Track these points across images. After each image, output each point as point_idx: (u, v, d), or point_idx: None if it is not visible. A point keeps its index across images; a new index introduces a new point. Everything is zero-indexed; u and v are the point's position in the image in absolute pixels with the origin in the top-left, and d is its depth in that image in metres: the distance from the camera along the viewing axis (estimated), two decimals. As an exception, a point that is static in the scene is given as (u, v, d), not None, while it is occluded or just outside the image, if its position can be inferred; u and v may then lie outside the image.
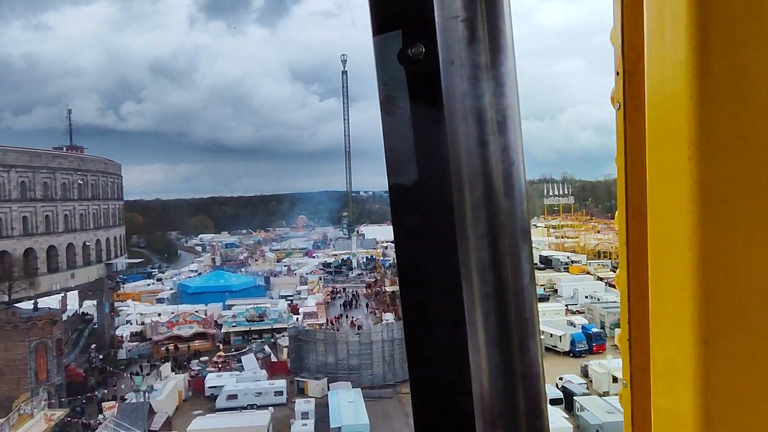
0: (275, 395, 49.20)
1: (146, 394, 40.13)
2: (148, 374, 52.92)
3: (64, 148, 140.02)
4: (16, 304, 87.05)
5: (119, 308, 78.68)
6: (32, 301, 55.79)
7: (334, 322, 75.39)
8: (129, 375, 54.81)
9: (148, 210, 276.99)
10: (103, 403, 46.09)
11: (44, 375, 44.76)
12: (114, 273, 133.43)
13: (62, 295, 53.41)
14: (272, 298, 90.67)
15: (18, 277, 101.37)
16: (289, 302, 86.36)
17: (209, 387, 50.97)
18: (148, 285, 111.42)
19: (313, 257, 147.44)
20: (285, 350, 60.05)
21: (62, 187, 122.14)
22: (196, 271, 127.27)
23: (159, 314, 76.07)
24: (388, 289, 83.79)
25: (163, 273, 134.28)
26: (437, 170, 1.09)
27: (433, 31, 1.03)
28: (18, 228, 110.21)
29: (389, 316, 73.21)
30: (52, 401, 43.75)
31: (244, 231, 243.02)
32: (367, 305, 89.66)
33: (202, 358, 60.28)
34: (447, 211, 1.03)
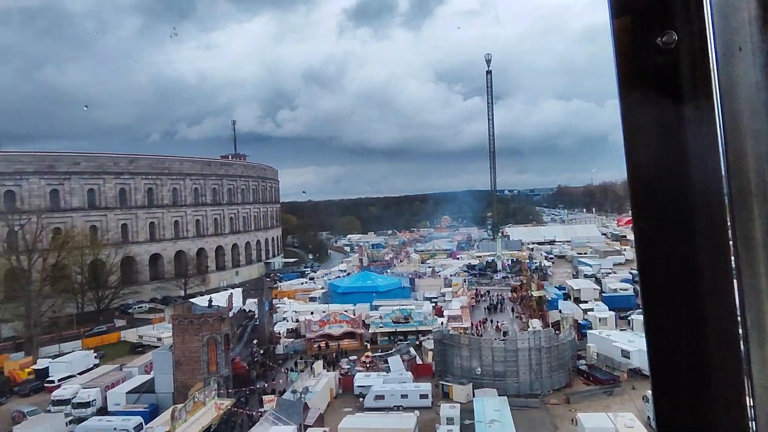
0: (420, 398, 50.09)
1: (303, 396, 42.80)
2: (302, 371, 56.43)
3: (230, 156, 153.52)
4: (190, 299, 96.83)
5: (276, 305, 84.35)
6: (207, 299, 61.87)
7: (478, 327, 75.07)
8: (285, 371, 58.77)
9: (301, 210, 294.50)
10: (263, 396, 50.06)
11: (214, 367, 49.49)
12: (272, 271, 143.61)
13: (229, 293, 58.67)
14: (417, 299, 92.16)
15: (192, 274, 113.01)
16: (434, 304, 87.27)
17: (358, 386, 53.12)
18: (302, 283, 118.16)
19: (457, 259, 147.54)
20: (430, 353, 60.82)
21: (228, 192, 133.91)
22: (345, 271, 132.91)
23: (312, 312, 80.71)
24: (535, 293, 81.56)
25: (315, 272, 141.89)
26: (702, 175, 0.98)
27: (688, 16, 0.92)
28: (192, 230, 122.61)
29: (536, 323, 71.35)
30: (221, 391, 48.31)
31: (389, 232, 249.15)
32: (512, 309, 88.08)
33: (351, 357, 62.94)
34: (719, 229, 0.93)
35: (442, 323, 70.27)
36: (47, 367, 63.56)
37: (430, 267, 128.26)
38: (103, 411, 51.58)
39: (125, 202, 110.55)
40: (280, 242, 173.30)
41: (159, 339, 74.92)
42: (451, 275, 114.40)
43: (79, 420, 48.80)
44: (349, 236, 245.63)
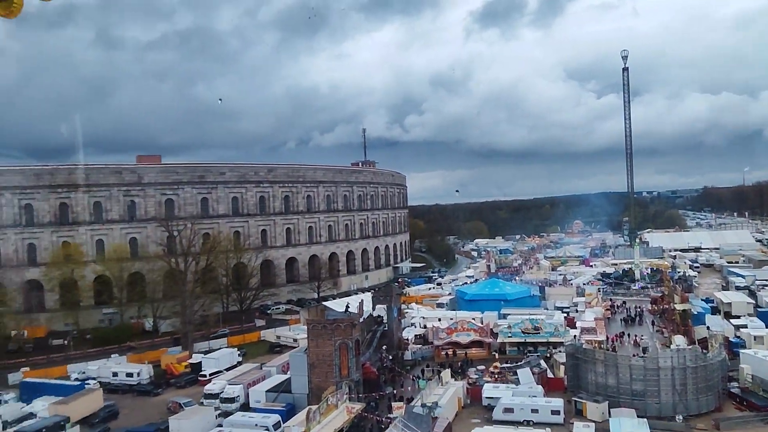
0: (552, 414, 48.44)
1: (432, 411, 43.05)
2: (430, 379, 56.83)
3: (360, 164, 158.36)
4: (323, 302, 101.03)
5: (404, 311, 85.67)
6: (340, 302, 64.50)
7: (614, 340, 71.17)
8: (413, 378, 59.47)
9: (428, 214, 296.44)
10: (393, 403, 51.07)
11: (346, 371, 51.27)
12: (400, 276, 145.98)
13: (360, 300, 60.47)
14: (547, 309, 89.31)
15: (324, 277, 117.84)
16: (565, 315, 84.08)
17: (486, 397, 52.47)
18: (429, 289, 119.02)
19: (591, 266, 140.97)
20: (561, 367, 58.65)
21: (358, 198, 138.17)
22: (472, 276, 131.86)
23: (439, 319, 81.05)
24: (678, 306, 75.68)
25: (442, 277, 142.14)
26: None
27: None
28: (324, 235, 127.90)
29: (680, 339, 66.30)
30: (352, 395, 49.92)
31: (517, 236, 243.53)
32: (652, 323, 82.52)
33: (479, 367, 62.33)
34: None
35: (574, 336, 67.53)
36: (200, 362, 69.50)
37: (561, 274, 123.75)
38: (245, 407, 55.44)
39: (264, 209, 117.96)
40: (408, 247, 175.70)
41: (295, 340, 79.18)
42: (584, 284, 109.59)
43: (226, 414, 52.82)
44: (476, 241, 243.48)
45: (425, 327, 79.27)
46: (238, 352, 74.77)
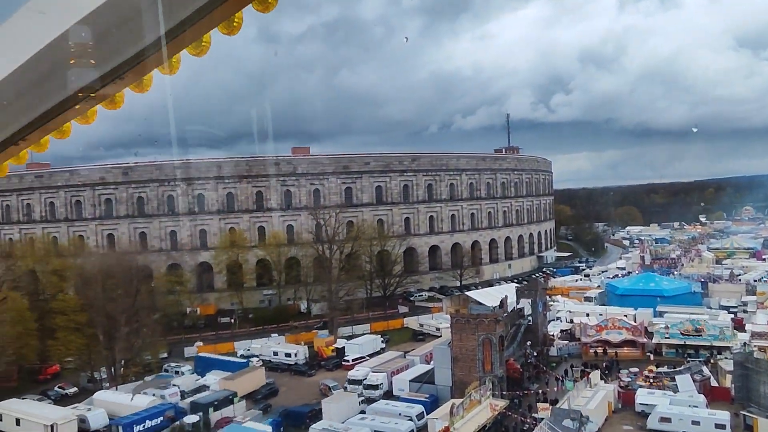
0: (716, 428, 44.40)
1: (583, 427, 41.35)
2: (577, 380, 54.59)
3: (504, 150, 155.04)
4: (465, 290, 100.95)
5: (549, 303, 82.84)
6: (483, 293, 63.91)
7: (793, 348, 63.38)
8: (558, 378, 57.36)
9: (574, 199, 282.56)
10: (538, 404, 49.81)
11: (489, 366, 50.90)
12: (544, 265, 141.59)
13: (503, 296, 59.49)
14: (710, 308, 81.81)
15: (467, 265, 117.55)
16: (732, 315, 76.48)
17: (640, 403, 49.36)
18: (576, 281, 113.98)
19: (763, 260, 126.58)
20: (728, 375, 53.49)
21: (501, 185, 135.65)
22: (623, 268, 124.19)
23: (587, 314, 77.45)
24: None
25: (590, 268, 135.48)
26: None
27: None
28: (467, 223, 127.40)
29: None
30: (495, 392, 49.51)
31: (675, 224, 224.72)
32: (842, 330, 72.29)
33: (632, 369, 58.78)
34: None
35: (744, 343, 61.08)
36: (344, 347, 72.73)
37: (727, 269, 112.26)
38: (388, 394, 57.10)
39: (408, 197, 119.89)
40: (553, 235, 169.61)
41: (437, 329, 79.85)
42: (755, 280, 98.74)
43: (369, 401, 54.85)
44: (627, 228, 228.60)
45: (572, 322, 76.21)
46: (381, 339, 77.05)
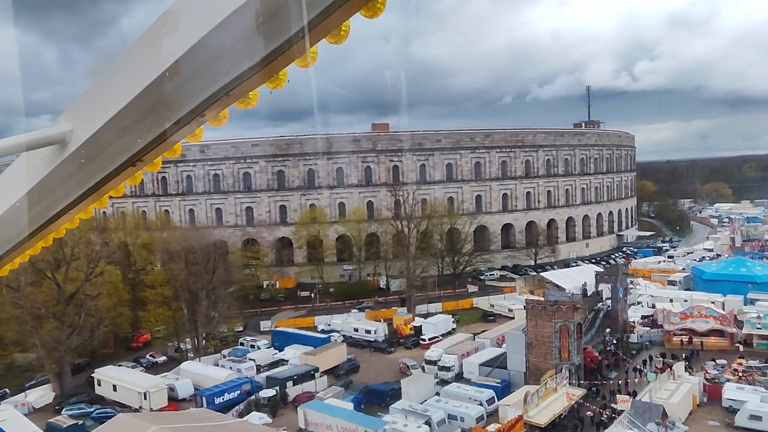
0: (812, 429, 41.80)
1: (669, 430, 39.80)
2: (658, 370, 52.54)
3: (583, 124, 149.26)
4: (540, 270, 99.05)
5: (629, 286, 79.82)
6: (559, 274, 62.35)
7: None
8: (637, 368, 55.24)
9: (657, 173, 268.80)
10: (617, 395, 48.37)
11: (566, 354, 49.83)
12: (624, 245, 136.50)
13: (583, 283, 57.82)
14: (810, 296, 76.19)
15: (542, 244, 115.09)
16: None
17: (727, 398, 47.03)
18: (659, 262, 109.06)
19: None
20: (828, 372, 50.04)
21: (581, 162, 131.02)
22: (711, 250, 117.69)
23: (671, 300, 74.09)
24: None
25: (674, 249, 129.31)
26: None
27: None
28: (543, 201, 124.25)
29: None
30: (572, 381, 48.48)
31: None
32: None
33: (719, 361, 55.95)
34: None
35: None
36: (420, 326, 73.02)
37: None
38: (459, 377, 57.06)
39: (480, 174, 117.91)
40: (635, 213, 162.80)
41: (510, 310, 78.87)
42: None
43: (443, 382, 55.07)
44: (716, 206, 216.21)
45: (654, 307, 73.21)
46: (452, 319, 76.82)
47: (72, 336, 60.58)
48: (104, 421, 43.19)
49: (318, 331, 74.69)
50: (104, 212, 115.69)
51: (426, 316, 78.97)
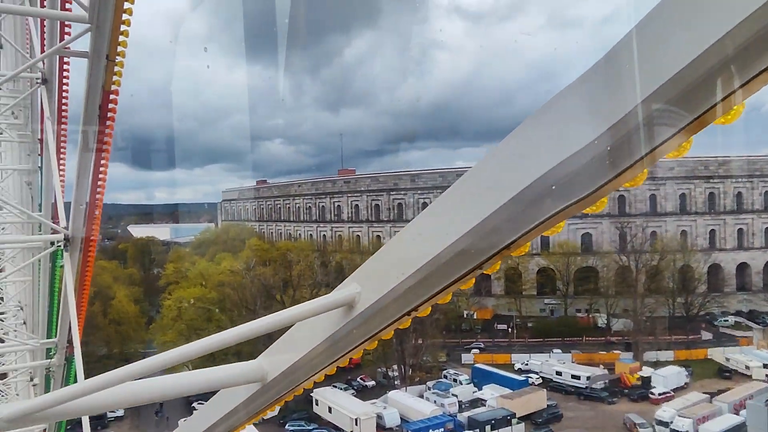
0: None
1: None
2: None
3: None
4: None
5: None
6: None
7: None
8: None
9: None
10: None
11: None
12: None
13: None
14: None
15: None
16: None
17: None
18: None
19: None
20: None
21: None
22: None
23: None
24: None
25: None
26: None
27: None
28: (731, 242, 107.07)
29: None
30: None
31: None
32: None
33: None
34: None
35: None
36: (650, 377, 65.71)
37: None
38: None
39: (714, 206, 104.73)
40: None
41: (747, 367, 68.12)
42: None
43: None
44: None
45: None
46: (686, 373, 67.93)
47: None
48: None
49: (515, 371, 71.53)
50: (324, 235, 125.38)
51: (656, 364, 70.70)
